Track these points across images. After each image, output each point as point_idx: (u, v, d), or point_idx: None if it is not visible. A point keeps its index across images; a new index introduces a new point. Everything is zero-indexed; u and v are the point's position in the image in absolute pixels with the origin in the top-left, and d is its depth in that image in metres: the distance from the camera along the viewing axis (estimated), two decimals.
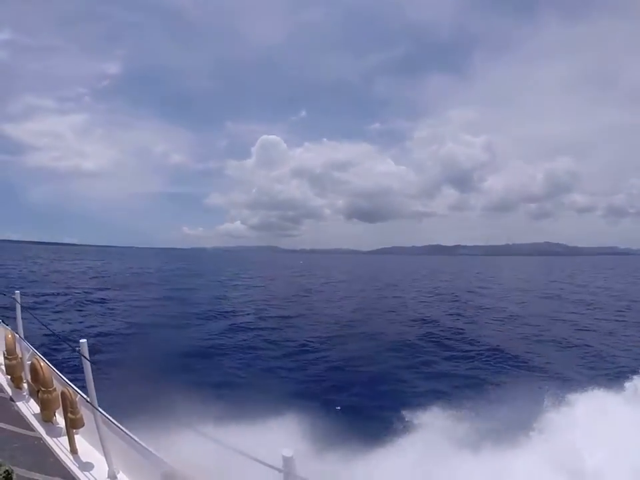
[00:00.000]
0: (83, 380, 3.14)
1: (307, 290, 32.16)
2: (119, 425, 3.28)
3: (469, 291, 31.48)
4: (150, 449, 3.05)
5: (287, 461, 2.09)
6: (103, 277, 35.52)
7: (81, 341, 3.09)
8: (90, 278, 33.29)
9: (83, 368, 3.10)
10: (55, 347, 9.01)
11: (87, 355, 3.05)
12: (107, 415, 3.30)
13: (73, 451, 3.03)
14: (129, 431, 3.27)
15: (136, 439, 3.17)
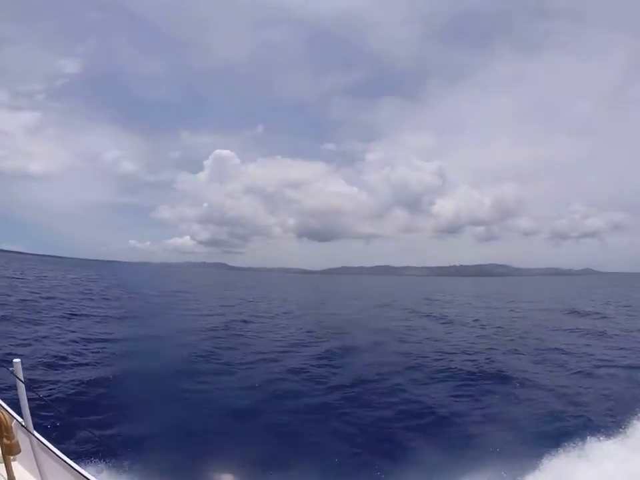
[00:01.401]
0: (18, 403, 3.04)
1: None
2: (56, 450, 3.21)
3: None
4: (88, 476, 3.01)
5: None
6: None
7: (14, 360, 2.91)
8: None
9: (17, 390, 3.01)
10: None
11: (21, 376, 2.91)
12: (44, 440, 3.22)
13: (10, 478, 2.93)
14: (67, 456, 3.22)
15: (74, 465, 3.12)
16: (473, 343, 17.09)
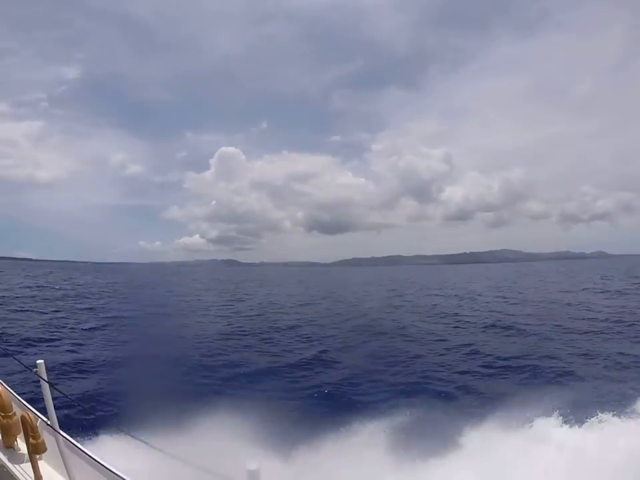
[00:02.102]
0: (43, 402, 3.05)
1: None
2: (82, 448, 3.20)
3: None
4: (116, 472, 3.00)
5: (252, 474, 1.91)
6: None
7: (37, 361, 2.95)
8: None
9: (42, 390, 3.01)
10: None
11: (44, 376, 2.94)
12: (70, 438, 3.21)
13: (37, 477, 2.92)
14: (93, 453, 3.21)
15: (101, 461, 3.10)
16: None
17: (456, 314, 22.02)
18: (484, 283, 49.59)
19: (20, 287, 33.67)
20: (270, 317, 22.01)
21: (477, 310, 23.69)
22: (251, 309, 25.43)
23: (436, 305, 27.08)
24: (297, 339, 16.25)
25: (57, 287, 35.42)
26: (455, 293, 35.35)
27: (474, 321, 19.64)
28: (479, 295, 33.16)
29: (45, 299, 25.45)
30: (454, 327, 18.46)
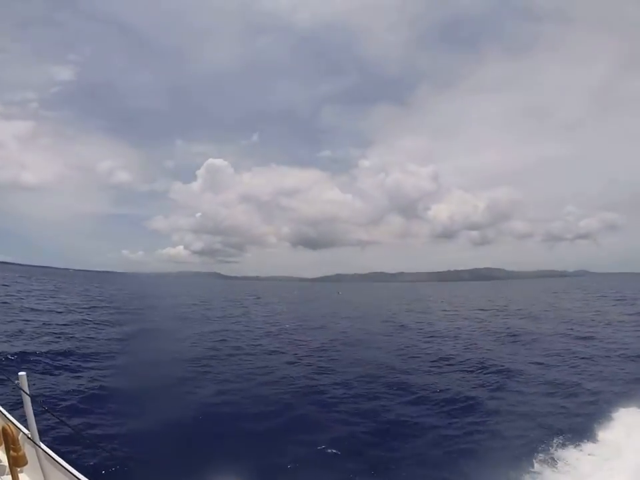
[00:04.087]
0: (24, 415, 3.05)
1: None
2: (63, 462, 3.21)
3: None
4: None
5: None
6: None
7: (19, 373, 2.96)
8: None
9: (23, 402, 3.02)
10: None
11: (26, 388, 2.94)
12: (51, 452, 3.22)
13: None
14: (74, 467, 3.21)
15: (80, 476, 3.12)
16: None
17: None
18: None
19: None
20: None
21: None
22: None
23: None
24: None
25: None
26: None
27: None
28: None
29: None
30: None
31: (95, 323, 20.70)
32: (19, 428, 3.21)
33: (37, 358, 12.17)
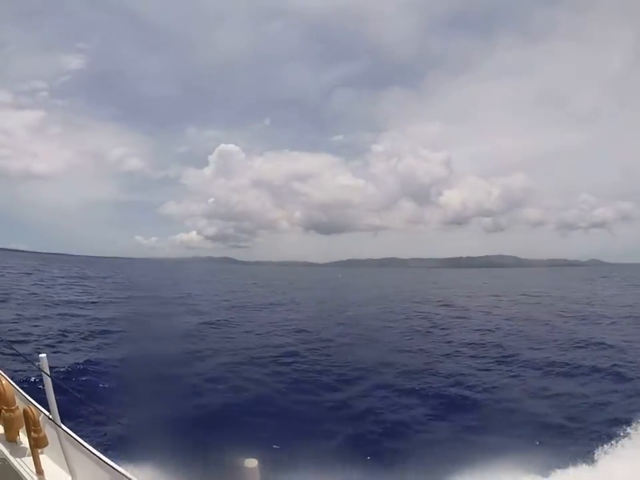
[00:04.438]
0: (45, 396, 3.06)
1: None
2: (83, 442, 3.20)
3: None
4: (117, 468, 3.01)
5: (251, 472, 1.89)
6: None
7: (40, 355, 2.93)
8: None
9: (44, 384, 3.02)
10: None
11: (47, 370, 2.91)
12: (71, 433, 3.22)
13: (39, 471, 2.92)
14: (95, 448, 3.21)
15: (102, 457, 3.11)
16: None
17: None
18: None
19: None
20: None
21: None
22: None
23: None
24: None
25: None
26: None
27: None
28: None
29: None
30: None
31: (145, 315, 20.31)
32: (39, 409, 3.21)
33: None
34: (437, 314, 23.94)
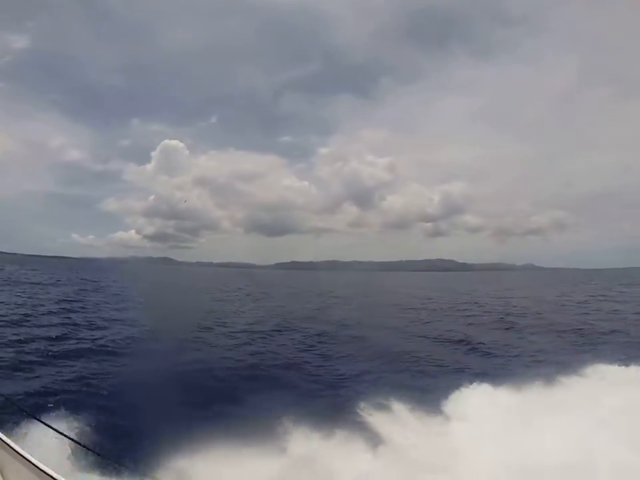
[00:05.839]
0: None
1: None
2: (17, 448, 3.13)
3: None
4: (51, 473, 2.96)
5: None
6: None
7: None
8: None
9: None
10: None
11: None
12: (5, 438, 3.14)
13: None
14: (29, 453, 3.14)
15: (35, 462, 3.05)
16: None
17: None
18: None
19: None
20: None
21: None
22: None
23: None
24: None
25: None
26: None
27: None
28: None
29: None
30: None
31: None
32: None
33: None
34: None
